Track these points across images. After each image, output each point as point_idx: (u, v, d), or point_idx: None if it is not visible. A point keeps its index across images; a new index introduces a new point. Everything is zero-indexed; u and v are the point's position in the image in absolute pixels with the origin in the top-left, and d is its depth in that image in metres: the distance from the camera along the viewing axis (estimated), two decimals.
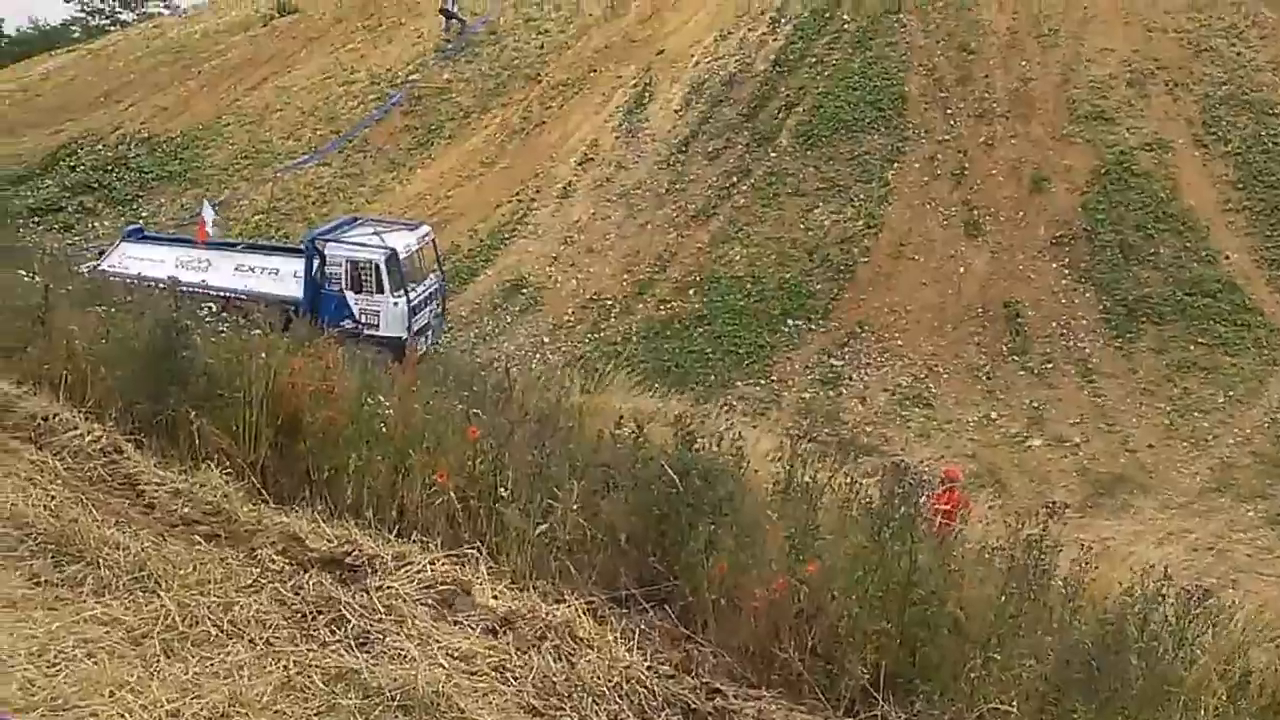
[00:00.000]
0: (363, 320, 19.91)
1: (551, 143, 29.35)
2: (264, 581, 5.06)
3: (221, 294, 19.40)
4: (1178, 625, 5.43)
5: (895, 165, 25.93)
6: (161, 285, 19.65)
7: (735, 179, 26.50)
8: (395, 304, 20.01)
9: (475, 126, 30.82)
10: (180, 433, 6.87)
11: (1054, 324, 22.70)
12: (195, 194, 30.76)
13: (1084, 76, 27.11)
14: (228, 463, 6.64)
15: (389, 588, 5.06)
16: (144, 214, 30.42)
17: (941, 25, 29.08)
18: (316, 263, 20.34)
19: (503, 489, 6.18)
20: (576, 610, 5.16)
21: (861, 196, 25.38)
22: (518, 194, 28.01)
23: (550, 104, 30.63)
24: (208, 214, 23.05)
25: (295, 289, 20.28)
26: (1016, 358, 22.26)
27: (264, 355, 7.28)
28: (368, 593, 4.99)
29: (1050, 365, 21.95)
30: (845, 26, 29.63)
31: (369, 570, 5.26)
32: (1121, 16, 28.46)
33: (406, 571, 5.26)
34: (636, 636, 5.16)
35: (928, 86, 27.53)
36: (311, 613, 4.82)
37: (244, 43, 37.60)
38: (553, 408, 10.56)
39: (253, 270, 21.02)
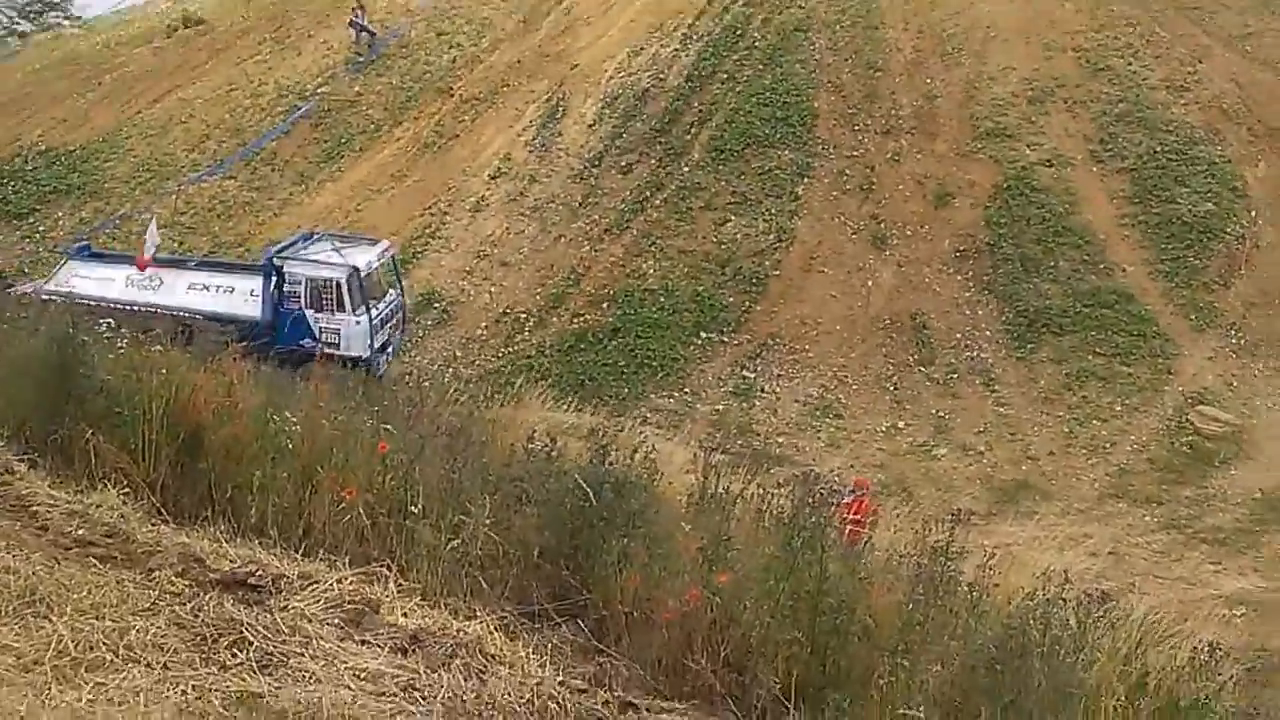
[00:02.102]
0: (323, 339, 19.27)
1: (464, 156, 29.16)
2: (162, 604, 4.91)
3: (174, 314, 18.63)
4: (1078, 628, 5.59)
5: (805, 180, 26.30)
6: (113, 306, 19.11)
7: (648, 193, 26.62)
8: (357, 322, 19.53)
9: (386, 140, 30.47)
10: (76, 452, 6.66)
11: (958, 335, 23.22)
12: (94, 207, 29.89)
13: (986, 94, 27.84)
14: (126, 482, 6.44)
15: (294, 608, 4.95)
16: (41, 228, 29.45)
17: (849, 44, 29.63)
18: (275, 280, 19.71)
19: (413, 505, 6.11)
20: (488, 626, 5.11)
21: (772, 210, 25.69)
22: (429, 208, 27.76)
23: (462, 118, 30.44)
24: (151, 236, 21.56)
25: (252, 308, 19.62)
26: (923, 368, 22.71)
27: (164, 371, 7.09)
28: (271, 613, 4.88)
29: (955, 375, 22.44)
30: (756, 44, 30.01)
31: (273, 590, 5.15)
32: (1022, 36, 29.30)
33: (313, 591, 5.15)
34: (549, 651, 5.14)
35: (836, 103, 28.01)
36: (212, 635, 4.69)
37: (147, 54, 36.63)
38: (465, 422, 10.46)
39: (207, 289, 20.23)
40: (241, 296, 19.91)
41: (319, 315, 19.50)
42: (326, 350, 18.57)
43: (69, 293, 19.30)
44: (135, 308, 19.21)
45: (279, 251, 20.41)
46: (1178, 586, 15.88)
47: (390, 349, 21.06)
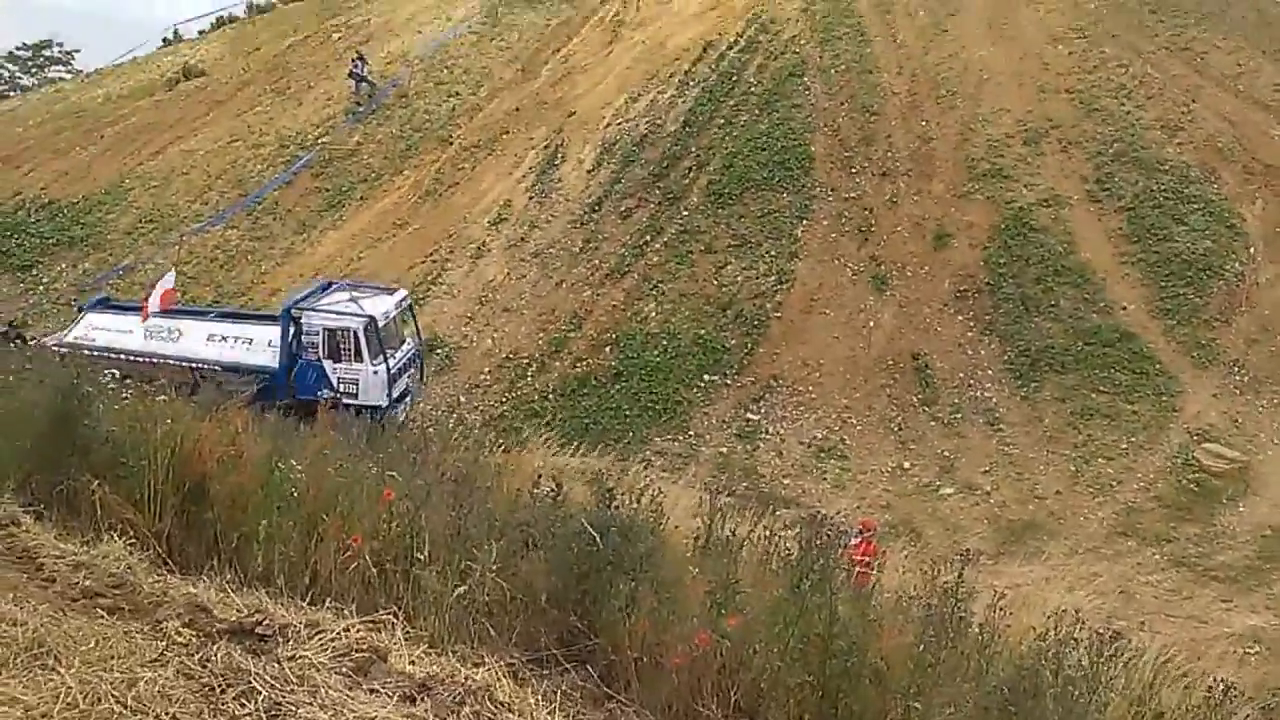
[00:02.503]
0: (341, 389, 19.25)
1: (464, 204, 29.36)
2: (169, 655, 4.87)
3: (193, 365, 18.76)
4: (1090, 668, 5.54)
5: (804, 222, 26.45)
6: (132, 358, 19.03)
7: (648, 237, 26.77)
8: (375, 371, 19.49)
9: (387, 188, 30.72)
10: (82, 503, 6.64)
11: (960, 374, 23.23)
12: (97, 259, 30.07)
13: (981, 136, 28.07)
14: (131, 532, 6.41)
15: (301, 657, 4.90)
16: (44, 280, 29.61)
17: (844, 88, 29.93)
18: (293, 331, 19.63)
19: (419, 551, 6.07)
20: (496, 673, 5.06)
21: (772, 253, 25.81)
22: (431, 254, 27.90)
23: (462, 165, 30.69)
24: (163, 284, 21.26)
25: (271, 358, 19.56)
26: (926, 408, 22.69)
27: (169, 421, 7.09)
28: (279, 663, 4.83)
29: (959, 415, 22.42)
30: (752, 89, 30.32)
31: (280, 639, 5.10)
32: (1015, 78, 29.61)
33: (319, 639, 5.10)
34: (558, 698, 5.09)
35: (833, 146, 28.24)
36: (220, 685, 4.64)
37: (148, 107, 37.03)
38: (470, 467, 10.43)
39: (225, 339, 20.21)
40: (260, 347, 19.87)
41: (337, 365, 19.45)
42: (345, 400, 18.69)
43: (88, 345, 19.35)
44: (154, 359, 19.42)
45: (296, 302, 20.36)
46: (1189, 625, 15.75)
47: (409, 397, 20.98)
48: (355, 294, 20.66)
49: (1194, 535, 19.16)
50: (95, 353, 18.66)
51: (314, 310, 19.94)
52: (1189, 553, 18.66)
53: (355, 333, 19.37)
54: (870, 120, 28.90)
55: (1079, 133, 27.67)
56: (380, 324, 19.69)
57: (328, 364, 19.45)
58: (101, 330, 20.35)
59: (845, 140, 28.40)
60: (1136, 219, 25.49)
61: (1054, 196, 26.24)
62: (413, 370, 21.30)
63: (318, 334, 19.54)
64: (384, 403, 19.40)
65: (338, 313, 19.78)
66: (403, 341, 21.12)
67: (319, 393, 18.44)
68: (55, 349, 17.10)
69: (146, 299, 20.95)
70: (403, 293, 21.85)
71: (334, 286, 21.41)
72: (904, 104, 29.34)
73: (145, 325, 20.32)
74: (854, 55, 31.04)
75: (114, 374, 14.23)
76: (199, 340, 20.09)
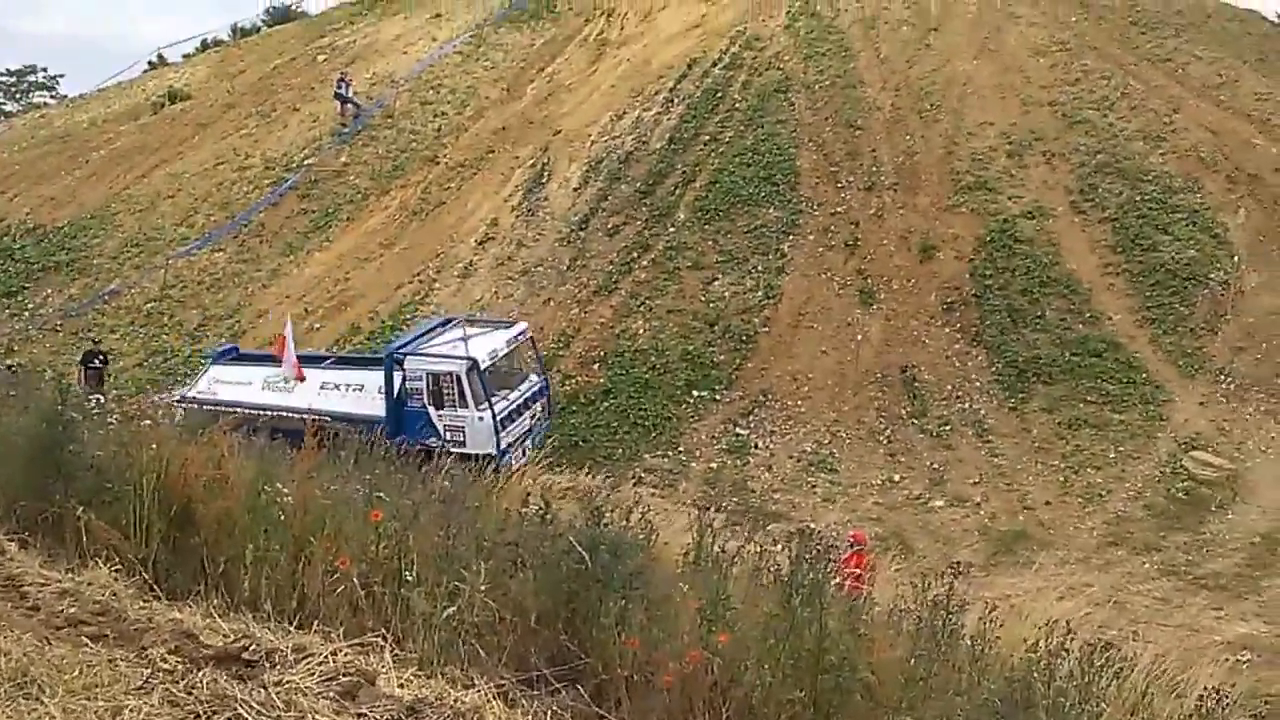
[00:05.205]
0: (448, 437, 17.94)
1: (451, 223, 29.37)
2: (155, 682, 4.82)
3: (305, 416, 17.47)
4: (1083, 679, 5.54)
5: (791, 237, 26.52)
6: (247, 411, 17.61)
7: (635, 254, 26.80)
8: (480, 418, 17.96)
9: (373, 208, 30.71)
10: (67, 529, 6.59)
11: (949, 386, 23.27)
12: (83, 284, 29.98)
13: (965, 149, 28.21)
14: (117, 559, 6.36)
15: (288, 682, 4.86)
16: (29, 306, 29.50)
17: (829, 103, 30.08)
18: (399, 376, 18.44)
19: (407, 573, 6.04)
20: (486, 695, 5.02)
21: (760, 268, 25.86)
22: (418, 274, 27.89)
23: (449, 185, 30.72)
24: (290, 340, 19.71)
25: (380, 407, 18.47)
26: (915, 420, 22.72)
27: (155, 446, 7.05)
28: (265, 688, 4.79)
29: (948, 427, 22.44)
30: (736, 105, 30.44)
31: (267, 664, 5.05)
32: (998, 91, 29.80)
33: (307, 664, 5.06)
34: (549, 718, 5.06)
35: (818, 161, 28.35)
36: (205, 713, 4.60)
37: (133, 131, 37.02)
38: (458, 487, 10.39)
39: (337, 388, 19.18)
40: (370, 394, 18.75)
41: (441, 412, 18.15)
42: (452, 450, 17.19)
43: (209, 399, 18.61)
44: (270, 411, 18.42)
45: (404, 344, 19.19)
46: (1180, 633, 15.73)
47: (531, 439, 19.44)
48: (470, 331, 19.19)
49: (1184, 543, 19.18)
50: (217, 407, 17.55)
51: (416, 354, 18.65)
52: (1179, 561, 18.68)
53: (458, 377, 18.01)
54: (855, 135, 29.03)
55: (1063, 144, 27.83)
56: (484, 365, 18.21)
57: (432, 410, 18.18)
58: (222, 383, 19.58)
59: (830, 155, 28.52)
60: (1121, 229, 25.62)
61: (1039, 208, 26.37)
62: (536, 408, 19.73)
63: (421, 379, 18.28)
64: (493, 450, 17.73)
65: (440, 356, 18.44)
66: (523, 379, 19.77)
67: (426, 441, 17.27)
68: (179, 404, 16.40)
69: (281, 350, 19.73)
70: (521, 326, 20.39)
71: (452, 322, 20.04)
72: (888, 118, 29.48)
73: (265, 376, 19.50)
74: (838, 70, 31.20)
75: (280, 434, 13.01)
76: (312, 390, 19.06)
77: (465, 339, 18.62)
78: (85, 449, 7.12)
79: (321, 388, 19.22)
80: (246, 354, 21.69)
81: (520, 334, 19.95)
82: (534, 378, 20.09)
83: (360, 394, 18.94)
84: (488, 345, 18.80)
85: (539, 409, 19.89)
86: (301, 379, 19.26)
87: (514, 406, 18.83)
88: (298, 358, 19.60)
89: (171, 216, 31.94)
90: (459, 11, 39.76)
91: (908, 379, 23.53)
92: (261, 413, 18.00)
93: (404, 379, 18.46)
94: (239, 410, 17.53)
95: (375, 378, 18.90)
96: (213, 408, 16.97)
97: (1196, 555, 18.83)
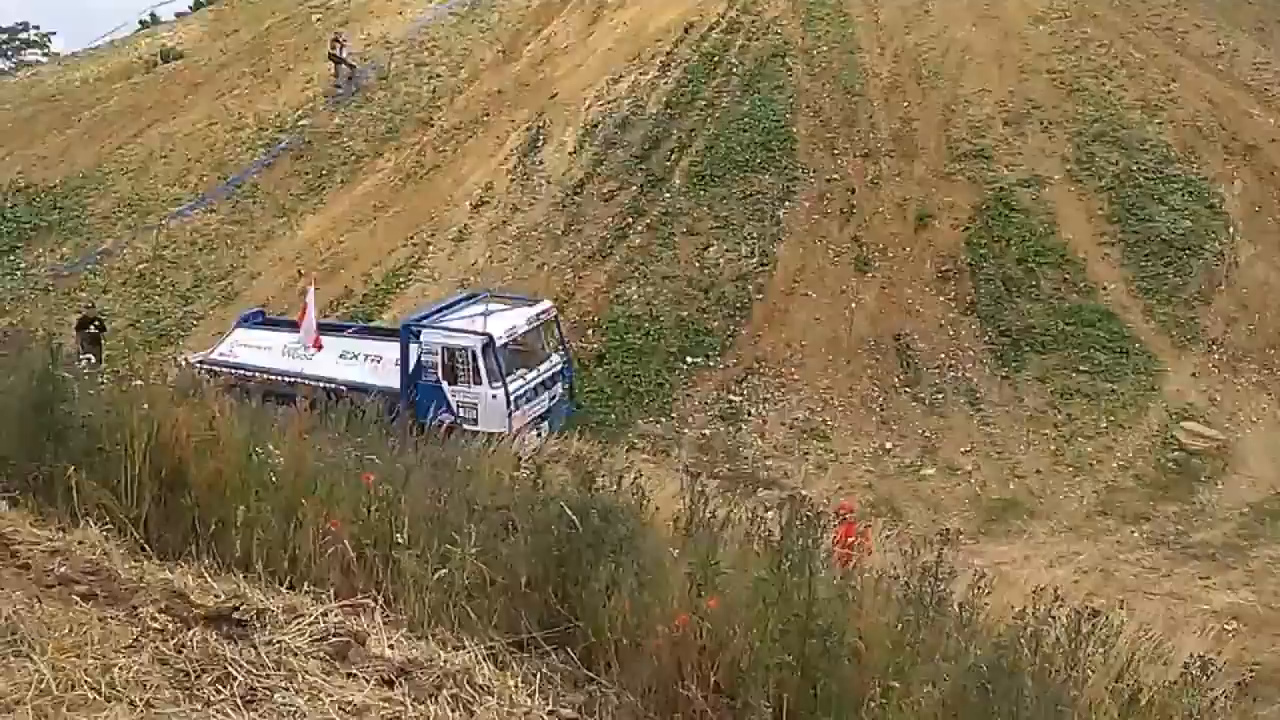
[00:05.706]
0: (460, 413, 17.83)
1: (445, 186, 29.22)
2: (145, 641, 4.85)
3: (322, 384, 17.62)
4: (1069, 646, 5.57)
5: (786, 204, 26.42)
6: (264, 375, 17.97)
7: (630, 219, 26.70)
8: (494, 396, 17.88)
9: (367, 171, 30.54)
10: (58, 489, 6.60)
11: (943, 355, 23.29)
12: (75, 244, 29.86)
13: (963, 117, 28.06)
14: (108, 519, 6.38)
15: (279, 641, 4.89)
16: (21, 265, 29.38)
17: (826, 69, 29.86)
18: (415, 350, 18.39)
19: (399, 535, 6.06)
20: (476, 657, 5.06)
21: (754, 235, 25.78)
22: (412, 238, 27.78)
23: (443, 148, 30.53)
24: (311, 307, 19.55)
25: (395, 378, 18.45)
26: (908, 389, 22.76)
27: (146, 406, 7.04)
28: (256, 648, 4.82)
29: (941, 396, 22.49)
30: (734, 70, 30.22)
31: (257, 624, 5.09)
32: (996, 59, 29.59)
33: (298, 624, 5.09)
34: (538, 681, 5.09)
35: (815, 128, 28.18)
36: (196, 671, 4.63)
37: (126, 90, 36.71)
38: (450, 450, 10.41)
39: (356, 358, 19.19)
40: (388, 365, 18.75)
41: (454, 388, 18.12)
42: (465, 426, 17.17)
43: (228, 361, 18.67)
44: (287, 377, 18.42)
45: (422, 317, 19.12)
46: (1167, 602, 15.87)
47: (550, 421, 19.32)
48: (495, 307, 19.02)
49: (1173, 513, 19.32)
50: (235, 370, 17.86)
51: (433, 328, 18.57)
52: (1168, 531, 18.81)
53: (473, 352, 17.97)
54: (852, 101, 28.85)
55: (1060, 113, 27.68)
56: (502, 342, 18.16)
57: (445, 385, 18.13)
58: (244, 346, 19.58)
59: (827, 121, 28.35)
60: (1117, 199, 25.54)
61: (1035, 177, 26.27)
62: (555, 389, 19.61)
63: (436, 353, 18.25)
64: (505, 429, 17.48)
65: (456, 330, 18.41)
66: (544, 359, 19.59)
67: (440, 416, 17.08)
68: (198, 365, 16.65)
69: (302, 316, 19.64)
70: (545, 304, 20.36)
71: (478, 296, 19.88)
72: (886, 85, 29.30)
73: (285, 342, 19.50)
74: (836, 36, 30.95)
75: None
76: (332, 358, 19.06)
77: (486, 314, 18.44)
78: (76, 408, 7.11)
79: (340, 356, 19.21)
80: (271, 319, 21.62)
81: (544, 312, 19.82)
82: (556, 358, 19.89)
83: (378, 365, 18.93)
84: (507, 322, 18.68)
85: (560, 390, 19.71)
86: (318, 347, 19.19)
87: (531, 386, 18.67)
88: (319, 325, 19.53)
89: (164, 177, 31.76)
90: None
91: (901, 347, 23.55)
92: (255, 375, 17.95)
93: (420, 352, 18.37)
94: (256, 374, 17.68)
95: (394, 349, 18.83)
96: (232, 370, 17.01)
97: (1186, 525, 18.97)
